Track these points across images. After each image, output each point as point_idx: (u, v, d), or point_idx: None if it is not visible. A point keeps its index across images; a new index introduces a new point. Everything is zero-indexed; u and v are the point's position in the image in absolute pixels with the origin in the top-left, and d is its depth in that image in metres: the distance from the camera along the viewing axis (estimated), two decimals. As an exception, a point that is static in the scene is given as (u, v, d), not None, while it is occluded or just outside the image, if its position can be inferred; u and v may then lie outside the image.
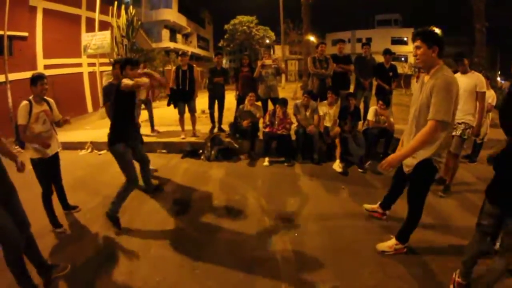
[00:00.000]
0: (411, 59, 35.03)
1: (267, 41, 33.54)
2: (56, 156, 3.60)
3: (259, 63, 6.27)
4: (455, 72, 5.77)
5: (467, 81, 3.98)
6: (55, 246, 3.21)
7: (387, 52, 6.27)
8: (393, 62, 6.40)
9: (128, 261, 2.89)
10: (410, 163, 2.59)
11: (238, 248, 2.99)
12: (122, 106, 3.43)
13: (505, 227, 2.11)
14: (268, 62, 6.24)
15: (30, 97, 3.35)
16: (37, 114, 3.32)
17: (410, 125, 2.66)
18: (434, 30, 2.51)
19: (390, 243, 2.86)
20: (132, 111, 3.58)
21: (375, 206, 3.43)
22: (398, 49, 33.54)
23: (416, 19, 45.93)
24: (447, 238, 3.04)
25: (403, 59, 33.46)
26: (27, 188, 3.40)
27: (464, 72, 4.06)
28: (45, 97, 3.48)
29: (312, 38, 20.62)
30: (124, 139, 3.44)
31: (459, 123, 4.02)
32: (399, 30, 37.35)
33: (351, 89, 6.67)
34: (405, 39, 36.40)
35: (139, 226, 3.49)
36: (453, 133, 4.05)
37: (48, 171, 3.49)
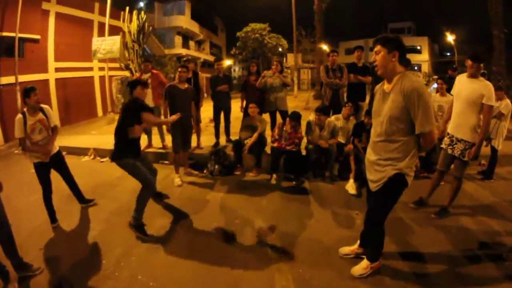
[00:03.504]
0: (425, 68, 34.50)
1: (280, 49, 33.34)
2: (57, 156, 3.90)
3: (263, 73, 5.94)
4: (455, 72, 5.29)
5: (472, 87, 3.39)
6: (52, 245, 3.40)
7: (406, 64, 5.87)
8: (410, 73, 6.00)
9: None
10: (378, 177, 2.38)
11: (234, 284, 2.66)
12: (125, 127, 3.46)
13: None
14: (268, 73, 5.88)
15: (24, 109, 3.63)
16: (32, 125, 3.60)
17: (377, 138, 2.39)
18: (393, 36, 2.35)
19: (364, 265, 2.70)
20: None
21: (355, 248, 2.96)
22: (412, 58, 32.71)
23: (429, 27, 45.41)
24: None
25: (416, 68, 32.86)
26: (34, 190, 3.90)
27: (473, 77, 3.45)
28: (40, 105, 3.70)
29: (325, 47, 20.33)
30: (131, 156, 3.49)
31: (458, 140, 3.52)
32: (412, 39, 36.64)
33: (367, 100, 6.27)
34: (419, 47, 35.76)
35: (126, 249, 3.24)
36: (449, 151, 3.60)
37: (48, 171, 3.77)
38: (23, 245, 3.12)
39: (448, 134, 3.65)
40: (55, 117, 3.93)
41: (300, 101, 15.45)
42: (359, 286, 2.56)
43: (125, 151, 3.45)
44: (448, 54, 31.19)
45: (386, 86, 2.34)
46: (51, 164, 3.81)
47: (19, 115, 3.58)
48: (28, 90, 3.57)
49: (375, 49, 2.31)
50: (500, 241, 3.14)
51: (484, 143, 4.90)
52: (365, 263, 2.69)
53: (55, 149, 3.88)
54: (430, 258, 2.87)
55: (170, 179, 5.18)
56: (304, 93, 20.90)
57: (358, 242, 2.93)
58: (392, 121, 2.23)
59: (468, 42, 29.34)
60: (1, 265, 2.62)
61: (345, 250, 2.98)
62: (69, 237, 3.60)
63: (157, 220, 3.82)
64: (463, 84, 3.51)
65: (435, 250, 2.99)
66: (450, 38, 26.80)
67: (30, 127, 3.58)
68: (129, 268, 2.92)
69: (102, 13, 12.86)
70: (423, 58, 35.03)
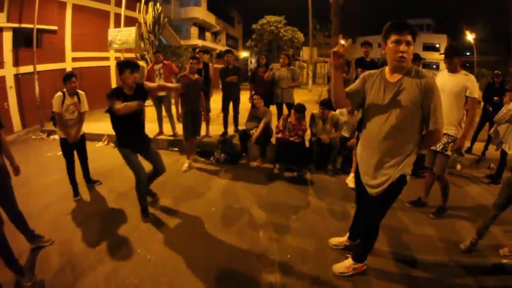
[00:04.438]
0: (443, 66, 33.46)
1: (296, 41, 32.98)
2: (81, 138, 4.35)
3: (271, 66, 6.06)
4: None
5: (454, 81, 3.36)
6: (64, 220, 3.67)
7: (416, 58, 5.82)
8: (423, 69, 5.96)
9: (111, 260, 2.89)
10: (380, 181, 2.20)
11: (222, 263, 2.84)
12: (120, 118, 3.28)
13: None
14: (276, 66, 6.01)
15: (64, 89, 4.10)
16: (67, 105, 4.09)
17: (380, 134, 2.16)
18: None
19: (347, 264, 2.66)
20: (136, 122, 3.48)
21: (344, 239, 3.01)
22: (430, 56, 32.06)
23: (448, 25, 44.08)
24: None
25: (434, 66, 31.97)
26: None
27: (452, 71, 3.43)
28: (76, 90, 4.19)
29: (342, 42, 20.00)
30: (127, 147, 3.48)
31: None
32: (431, 36, 35.72)
33: None
34: (437, 45, 34.79)
35: (130, 226, 3.49)
36: (433, 147, 3.46)
37: (71, 148, 4.23)
38: (37, 219, 3.41)
39: None
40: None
41: (313, 95, 15.39)
42: (342, 279, 2.61)
43: (120, 142, 3.48)
44: (468, 53, 30.14)
45: (390, 76, 2.16)
46: (74, 144, 4.25)
47: (60, 93, 4.05)
48: (67, 76, 4.07)
49: (407, 38, 2.02)
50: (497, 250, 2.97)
51: (495, 147, 4.85)
52: (348, 262, 2.66)
53: (81, 132, 4.35)
54: (421, 261, 2.85)
55: (179, 164, 5.41)
56: (319, 87, 20.76)
57: (348, 234, 3.00)
58: (404, 115, 2.07)
59: (488, 41, 28.37)
60: (16, 263, 2.63)
61: (335, 241, 3.06)
62: (80, 214, 3.85)
63: (161, 202, 4.08)
64: (444, 79, 3.47)
65: (427, 253, 2.96)
66: (469, 37, 25.95)
67: (66, 106, 4.08)
68: (131, 243, 3.16)
69: (118, 4, 13.06)
70: (441, 57, 34.03)
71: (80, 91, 4.25)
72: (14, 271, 2.58)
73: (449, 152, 3.41)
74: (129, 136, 3.48)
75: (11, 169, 2.92)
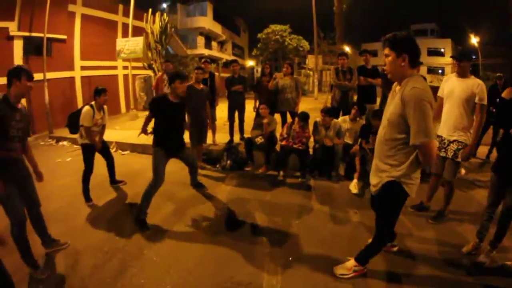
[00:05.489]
0: (448, 71, 33.54)
1: (301, 49, 33.06)
2: (103, 143, 4.51)
3: (274, 75, 6.20)
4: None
5: (462, 86, 3.31)
6: (75, 223, 3.78)
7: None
8: (428, 74, 6.02)
9: (119, 260, 2.99)
10: (375, 182, 2.31)
11: (225, 265, 2.90)
12: (162, 118, 3.74)
13: (503, 198, 2.78)
14: (279, 75, 6.14)
15: (92, 103, 4.19)
16: (96, 120, 4.21)
17: (379, 140, 2.30)
18: (403, 37, 2.10)
19: (348, 265, 2.68)
20: (175, 125, 3.89)
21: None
22: (435, 61, 32.14)
23: (453, 29, 44.04)
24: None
25: (440, 71, 31.96)
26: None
27: (461, 76, 3.38)
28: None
29: (347, 49, 20.16)
30: (161, 147, 3.74)
31: (450, 142, 3.41)
32: (436, 41, 35.78)
33: (378, 103, 6.30)
34: (442, 50, 34.89)
35: (137, 229, 3.59)
36: (442, 154, 3.48)
37: (93, 154, 4.30)
38: (49, 221, 3.40)
39: (439, 136, 3.52)
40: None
41: (319, 103, 15.46)
42: (343, 281, 2.63)
43: (157, 140, 3.78)
44: (474, 57, 30.09)
45: (398, 87, 2.18)
46: (97, 149, 4.39)
47: (88, 108, 4.14)
48: (99, 91, 4.17)
49: (384, 51, 2.13)
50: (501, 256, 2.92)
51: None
52: (350, 263, 2.68)
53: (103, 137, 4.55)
54: (422, 264, 2.86)
55: (185, 171, 5.46)
56: (325, 95, 20.80)
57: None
58: (390, 127, 2.14)
59: (493, 44, 28.34)
60: (32, 256, 2.76)
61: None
62: (90, 216, 3.98)
63: (168, 206, 4.19)
64: (454, 83, 3.44)
65: (429, 257, 2.97)
66: (474, 40, 26.01)
67: (95, 121, 4.21)
68: (138, 244, 3.28)
69: (126, 14, 13.33)
70: (446, 61, 34.11)
71: (104, 105, 4.36)
72: (29, 265, 2.72)
73: (459, 159, 3.39)
74: (167, 135, 3.77)
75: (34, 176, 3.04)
